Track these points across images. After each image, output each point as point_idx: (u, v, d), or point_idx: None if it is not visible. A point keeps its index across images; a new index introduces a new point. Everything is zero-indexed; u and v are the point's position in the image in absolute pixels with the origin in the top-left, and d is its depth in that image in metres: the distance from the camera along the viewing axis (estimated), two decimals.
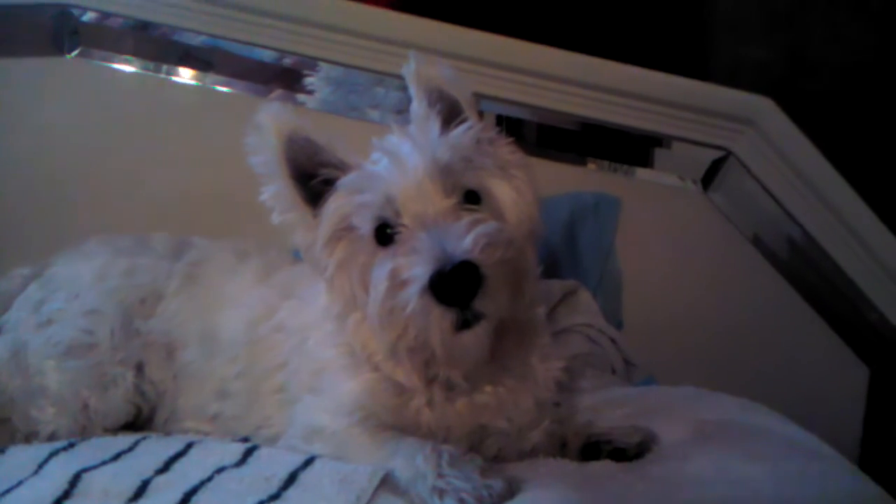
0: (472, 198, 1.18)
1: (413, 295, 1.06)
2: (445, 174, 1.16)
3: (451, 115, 1.26)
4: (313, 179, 1.23)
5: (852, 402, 2.55)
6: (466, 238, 1.06)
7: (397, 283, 1.09)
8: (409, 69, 1.27)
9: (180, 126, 2.34)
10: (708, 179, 2.47)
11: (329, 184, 1.22)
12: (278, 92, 2.37)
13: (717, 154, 2.44)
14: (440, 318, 1.06)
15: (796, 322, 2.55)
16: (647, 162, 2.48)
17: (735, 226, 2.50)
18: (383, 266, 1.12)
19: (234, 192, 2.11)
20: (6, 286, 1.57)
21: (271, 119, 1.22)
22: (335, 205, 1.20)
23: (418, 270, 1.06)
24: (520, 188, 1.24)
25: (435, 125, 1.21)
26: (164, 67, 2.34)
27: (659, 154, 2.47)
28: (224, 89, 2.37)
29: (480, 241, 1.06)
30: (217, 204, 2.20)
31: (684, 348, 2.39)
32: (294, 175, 1.23)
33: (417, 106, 1.26)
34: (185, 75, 2.36)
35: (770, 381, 2.30)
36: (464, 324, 1.07)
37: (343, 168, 1.22)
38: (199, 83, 2.37)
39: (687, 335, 2.44)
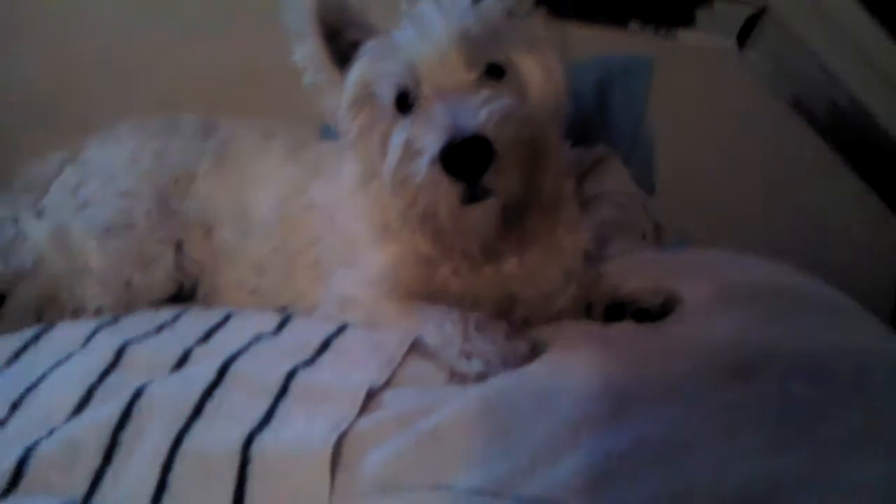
0: (496, 71, 1.17)
1: (423, 165, 1.07)
2: (471, 46, 1.14)
3: None
4: (343, 41, 1.23)
5: (890, 262, 2.54)
6: (481, 112, 1.05)
7: (411, 151, 1.10)
8: None
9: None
10: (742, 37, 2.38)
11: (357, 47, 1.22)
12: None
13: (752, 10, 2.34)
14: (448, 190, 1.07)
15: (833, 183, 2.50)
16: (683, 22, 2.39)
17: (772, 86, 2.42)
18: (399, 134, 1.13)
19: (262, 66, 2.13)
20: (42, 170, 1.61)
21: None
22: (359, 70, 1.21)
23: (429, 141, 1.06)
24: (548, 65, 1.22)
25: None
26: None
27: (696, 14, 2.38)
28: None
29: (495, 116, 1.05)
30: (244, 77, 2.19)
31: (719, 213, 2.37)
32: (325, 35, 1.23)
33: None
34: None
35: (807, 243, 2.28)
36: (471, 197, 1.08)
37: (372, 32, 1.22)
38: None
39: (722, 200, 2.42)
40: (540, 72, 1.21)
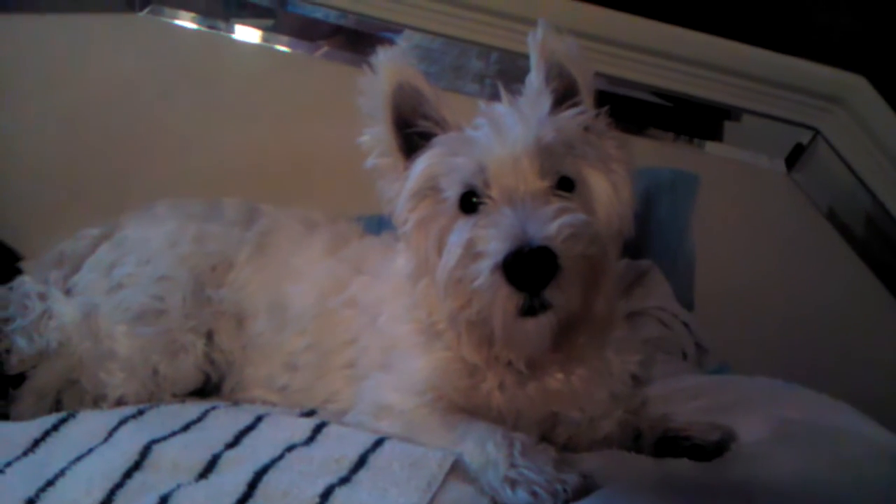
0: (566, 185, 1.15)
1: (484, 269, 1.04)
2: (546, 155, 1.12)
3: (565, 95, 1.22)
4: (412, 129, 1.22)
5: None
6: (551, 224, 1.03)
7: (471, 253, 1.07)
8: (535, 38, 1.22)
9: (240, 84, 2.34)
10: (792, 159, 2.38)
11: (426, 138, 1.21)
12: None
13: (804, 132, 2.35)
14: (506, 300, 1.04)
15: (872, 306, 2.47)
16: (709, 135, 2.40)
17: (816, 207, 2.41)
18: (460, 233, 1.11)
19: (294, 151, 2.15)
20: (76, 247, 1.56)
21: (387, 63, 1.21)
22: (427, 162, 1.19)
23: (495, 246, 1.03)
24: (617, 185, 1.20)
25: (546, 102, 1.17)
26: (224, 25, 2.33)
27: (738, 129, 2.39)
28: (284, 49, 2.34)
29: (565, 230, 1.03)
30: (276, 162, 2.21)
31: (755, 329, 2.35)
32: (396, 122, 1.22)
33: (534, 78, 1.22)
34: (247, 35, 2.34)
35: (842, 363, 2.25)
36: (529, 310, 1.05)
37: (443, 126, 1.21)
38: (262, 42, 2.36)
39: (758, 316, 2.39)
40: (609, 189, 1.19)
